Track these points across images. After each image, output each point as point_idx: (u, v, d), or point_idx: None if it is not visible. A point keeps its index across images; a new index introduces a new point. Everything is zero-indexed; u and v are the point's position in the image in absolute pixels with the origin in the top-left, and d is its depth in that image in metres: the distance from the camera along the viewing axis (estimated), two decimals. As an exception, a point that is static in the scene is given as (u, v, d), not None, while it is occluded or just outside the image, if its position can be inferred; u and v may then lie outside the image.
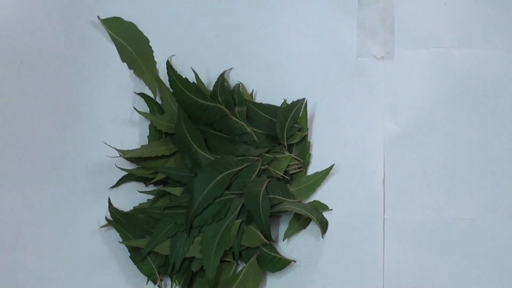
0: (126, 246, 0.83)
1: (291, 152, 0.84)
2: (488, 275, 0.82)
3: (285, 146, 0.84)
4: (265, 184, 0.82)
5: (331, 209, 0.84)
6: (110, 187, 0.86)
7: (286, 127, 0.84)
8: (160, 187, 0.85)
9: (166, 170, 0.83)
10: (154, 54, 0.87)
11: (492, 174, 0.83)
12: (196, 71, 0.86)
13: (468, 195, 0.83)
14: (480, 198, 0.83)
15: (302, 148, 0.85)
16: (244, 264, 0.82)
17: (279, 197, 0.83)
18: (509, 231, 0.82)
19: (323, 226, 0.84)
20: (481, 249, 0.82)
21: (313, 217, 0.82)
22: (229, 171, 0.82)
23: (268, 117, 0.85)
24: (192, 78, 0.85)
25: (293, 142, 0.84)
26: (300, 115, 0.85)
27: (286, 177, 0.84)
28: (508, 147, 0.84)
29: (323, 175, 0.84)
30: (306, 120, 0.85)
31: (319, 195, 0.85)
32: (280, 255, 0.82)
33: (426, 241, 0.83)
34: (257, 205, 0.81)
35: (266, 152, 0.84)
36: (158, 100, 0.87)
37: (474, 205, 0.83)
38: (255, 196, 0.82)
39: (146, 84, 0.87)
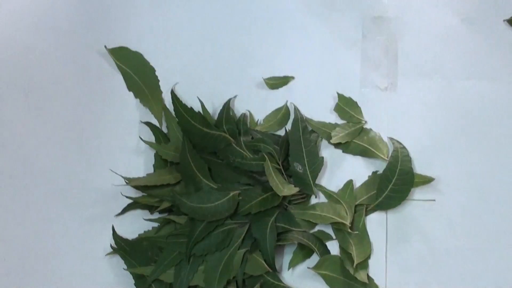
0: (131, 273, 0.84)
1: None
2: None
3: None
4: (275, 215, 0.83)
5: (335, 239, 0.84)
6: (116, 215, 0.87)
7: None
8: (165, 215, 0.86)
9: (172, 198, 0.84)
10: (160, 83, 0.88)
11: (493, 204, 0.84)
12: (202, 100, 0.87)
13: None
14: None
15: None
16: (248, 292, 0.83)
17: (285, 226, 0.84)
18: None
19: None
20: (483, 280, 0.83)
21: (315, 248, 0.84)
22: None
23: (272, 146, 0.86)
24: (198, 107, 0.86)
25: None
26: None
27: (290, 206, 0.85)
28: (511, 177, 0.84)
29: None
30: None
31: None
32: (283, 283, 0.83)
33: (428, 272, 0.83)
34: (264, 234, 0.82)
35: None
36: (164, 129, 0.88)
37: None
38: (263, 225, 0.83)
39: (152, 113, 0.88)
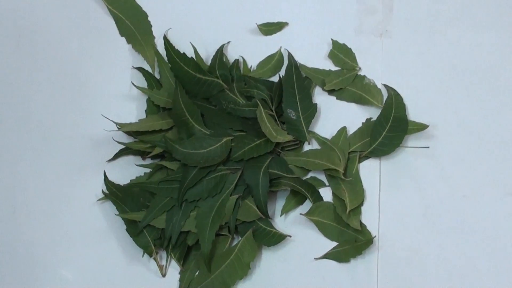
0: (123, 219, 0.84)
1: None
2: (480, 252, 0.82)
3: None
4: (267, 161, 0.83)
5: (328, 186, 0.84)
6: (107, 160, 0.86)
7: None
8: (157, 161, 0.85)
9: (164, 144, 0.83)
10: (152, 28, 0.87)
11: (487, 152, 0.84)
12: (195, 45, 0.86)
13: (462, 173, 0.84)
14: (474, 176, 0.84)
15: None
16: (240, 238, 0.83)
17: (278, 172, 0.83)
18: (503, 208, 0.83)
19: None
20: (475, 227, 0.83)
21: (308, 195, 0.83)
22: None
23: (265, 92, 0.85)
24: (191, 52, 0.85)
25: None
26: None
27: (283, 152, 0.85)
28: (504, 125, 0.84)
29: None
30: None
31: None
32: (275, 229, 0.83)
33: (421, 219, 0.83)
34: (257, 180, 0.82)
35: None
36: (157, 75, 0.87)
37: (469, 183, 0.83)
38: (255, 171, 0.82)
39: (145, 59, 0.87)
